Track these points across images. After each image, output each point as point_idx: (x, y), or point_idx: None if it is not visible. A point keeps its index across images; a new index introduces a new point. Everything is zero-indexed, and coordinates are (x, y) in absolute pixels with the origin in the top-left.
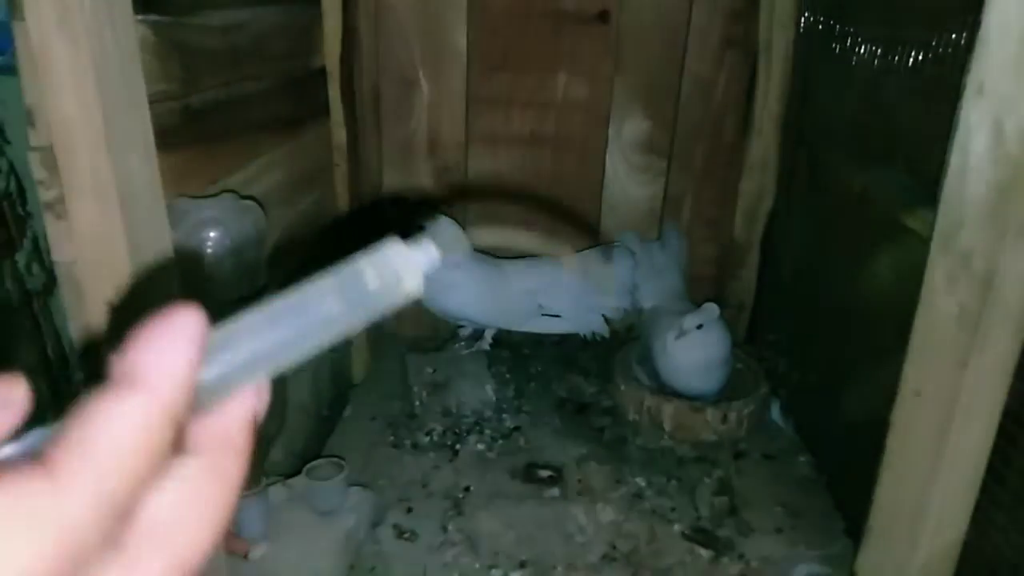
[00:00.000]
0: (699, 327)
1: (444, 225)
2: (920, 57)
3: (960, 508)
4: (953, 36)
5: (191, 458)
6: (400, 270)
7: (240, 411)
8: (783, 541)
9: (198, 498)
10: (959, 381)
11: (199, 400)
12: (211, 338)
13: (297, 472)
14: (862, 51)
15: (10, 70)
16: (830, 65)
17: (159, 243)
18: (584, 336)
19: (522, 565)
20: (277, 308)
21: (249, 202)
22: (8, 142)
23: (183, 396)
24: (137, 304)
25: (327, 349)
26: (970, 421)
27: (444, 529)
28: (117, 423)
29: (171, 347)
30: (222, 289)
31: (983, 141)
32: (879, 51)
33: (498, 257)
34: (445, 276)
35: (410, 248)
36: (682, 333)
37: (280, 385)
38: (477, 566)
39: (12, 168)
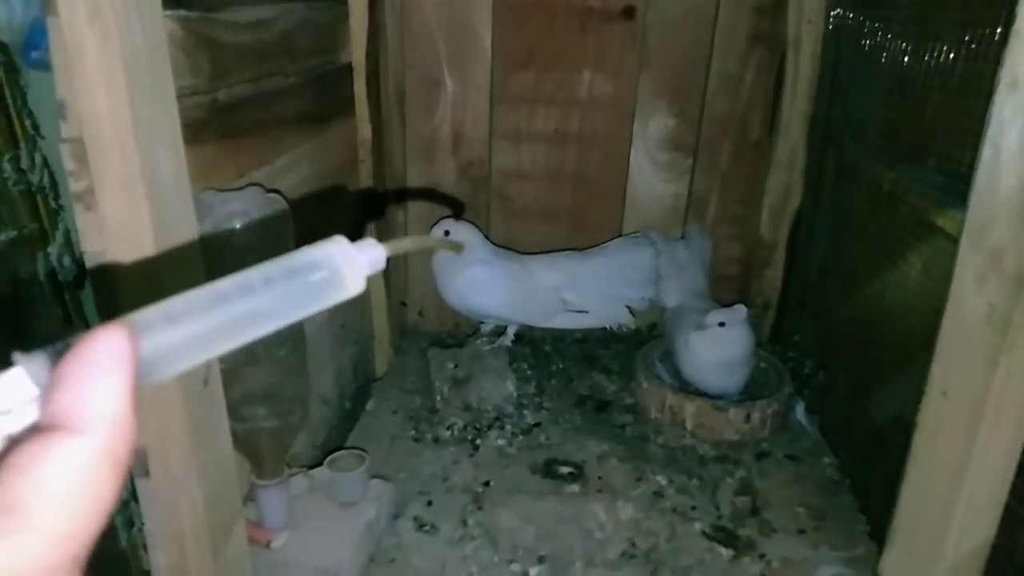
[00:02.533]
0: (721, 324)
1: (460, 225)
2: (952, 52)
3: (988, 511)
4: (987, 30)
5: (83, 437)
6: (343, 269)
7: (125, 389)
8: (805, 542)
9: (89, 480)
10: (988, 381)
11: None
12: (146, 317)
13: (319, 463)
14: (892, 47)
15: (44, 66)
16: (859, 61)
17: (186, 235)
18: (610, 328)
19: (541, 560)
20: (214, 295)
21: (275, 195)
22: (42, 137)
23: (119, 432)
24: (164, 295)
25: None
26: (999, 422)
27: (464, 523)
28: (51, 472)
29: (100, 381)
30: None
31: (1016, 136)
32: (910, 47)
33: (520, 252)
34: (469, 273)
35: (355, 247)
36: (703, 327)
37: (303, 377)
38: (496, 560)
39: (46, 162)
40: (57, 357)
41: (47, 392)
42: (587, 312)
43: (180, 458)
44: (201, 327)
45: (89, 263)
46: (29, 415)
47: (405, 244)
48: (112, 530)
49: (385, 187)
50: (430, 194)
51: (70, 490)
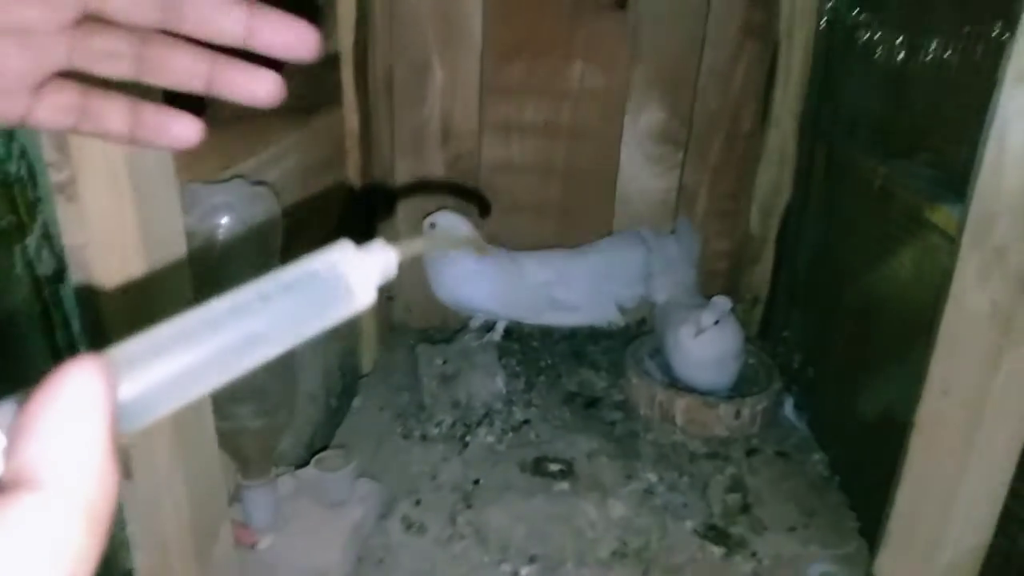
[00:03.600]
0: (716, 323)
1: (451, 218)
2: (947, 46)
3: (987, 512)
4: (984, 24)
5: (53, 495)
6: (350, 278)
7: (101, 436)
8: (796, 540)
9: (64, 544)
10: (990, 381)
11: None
12: (129, 351)
13: (305, 463)
14: (886, 40)
15: None
16: (853, 55)
17: (171, 227)
18: (599, 326)
19: (532, 560)
20: (204, 321)
21: (261, 188)
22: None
23: (95, 486)
24: (148, 291)
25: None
26: (1001, 422)
27: (453, 522)
28: (18, 539)
29: (72, 428)
30: (234, 276)
31: (1022, 132)
32: (904, 40)
33: (510, 248)
34: (459, 267)
35: (363, 253)
36: (700, 331)
37: (290, 375)
38: (486, 560)
39: (24, 152)
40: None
41: (11, 443)
42: (577, 309)
43: (164, 458)
44: (190, 360)
45: (70, 257)
46: None
47: (419, 245)
48: None
49: (373, 179)
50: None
51: (42, 558)
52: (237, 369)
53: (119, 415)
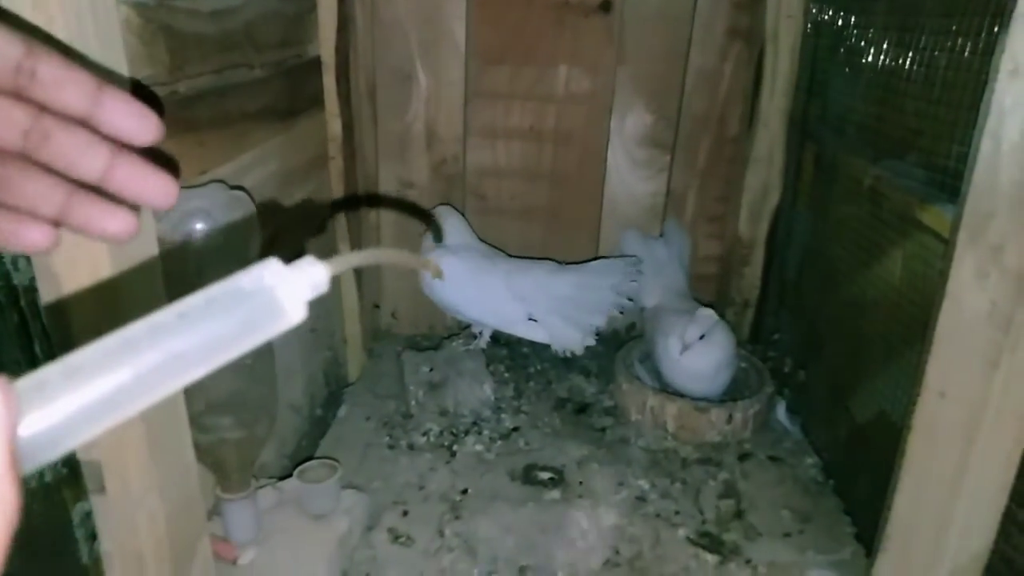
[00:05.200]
0: (701, 338)
1: (447, 213)
2: (935, 44)
3: (988, 515)
4: (972, 20)
5: None
6: (279, 294)
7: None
8: (791, 546)
9: None
10: (989, 382)
11: (28, 454)
12: (40, 377)
13: (289, 474)
14: (873, 40)
15: None
16: (839, 55)
17: (142, 235)
18: (557, 353)
19: (522, 571)
20: (125, 340)
21: (239, 192)
22: None
23: None
24: (119, 300)
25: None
26: (1001, 424)
27: (441, 533)
28: None
29: None
30: (209, 284)
31: (1018, 126)
32: (891, 39)
33: (501, 251)
34: (440, 262)
35: (291, 269)
36: (686, 347)
37: (270, 384)
38: (475, 572)
39: None
40: None
41: None
42: (543, 327)
43: (139, 472)
44: (104, 385)
45: (37, 268)
46: None
47: (353, 260)
48: (72, 544)
49: (356, 185)
50: (402, 205)
51: None
52: (161, 390)
53: (27, 442)
